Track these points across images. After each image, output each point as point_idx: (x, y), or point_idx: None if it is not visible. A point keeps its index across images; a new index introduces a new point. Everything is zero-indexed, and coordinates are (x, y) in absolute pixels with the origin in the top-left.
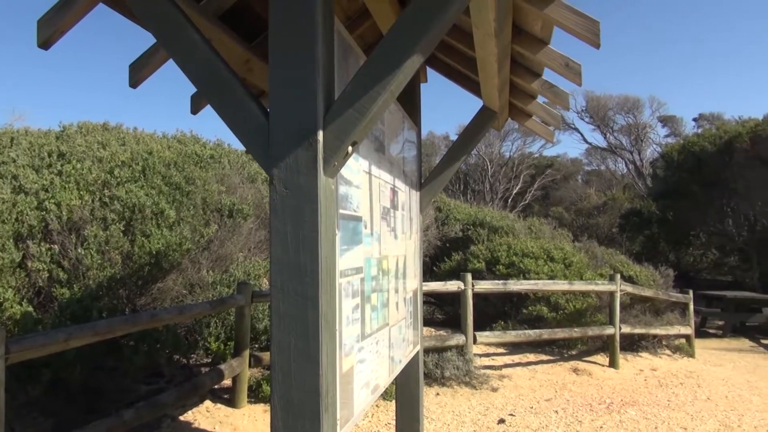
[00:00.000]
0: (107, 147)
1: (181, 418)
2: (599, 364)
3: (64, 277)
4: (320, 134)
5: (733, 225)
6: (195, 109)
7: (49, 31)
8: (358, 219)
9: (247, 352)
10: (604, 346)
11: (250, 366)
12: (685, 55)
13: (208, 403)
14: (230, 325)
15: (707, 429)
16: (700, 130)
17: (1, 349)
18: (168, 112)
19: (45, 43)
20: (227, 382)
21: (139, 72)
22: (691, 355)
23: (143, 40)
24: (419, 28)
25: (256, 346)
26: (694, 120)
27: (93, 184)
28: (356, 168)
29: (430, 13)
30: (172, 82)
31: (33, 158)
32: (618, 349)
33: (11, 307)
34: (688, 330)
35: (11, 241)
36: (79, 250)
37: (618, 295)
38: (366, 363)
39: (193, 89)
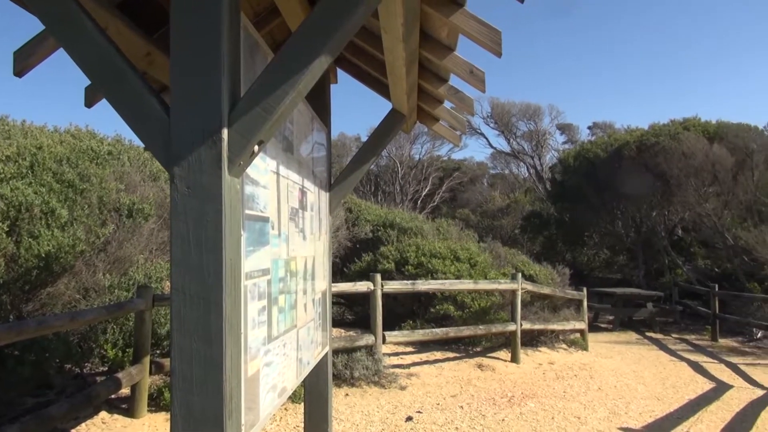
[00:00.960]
0: None
1: (73, 431)
2: (502, 359)
3: None
4: (225, 132)
5: (622, 226)
6: (89, 102)
7: None
8: (265, 220)
9: (147, 359)
10: (507, 342)
11: (151, 373)
12: (580, 68)
13: (104, 414)
14: (129, 331)
15: (598, 417)
16: (593, 138)
17: None
18: (63, 104)
19: None
20: (126, 390)
21: (25, 60)
22: (585, 348)
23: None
24: (328, 28)
25: (158, 352)
26: (589, 128)
27: None
28: (263, 168)
29: (338, 14)
30: (67, 72)
31: None
32: (519, 344)
33: None
34: (582, 325)
35: None
36: None
37: (519, 293)
38: (273, 366)
39: (87, 80)
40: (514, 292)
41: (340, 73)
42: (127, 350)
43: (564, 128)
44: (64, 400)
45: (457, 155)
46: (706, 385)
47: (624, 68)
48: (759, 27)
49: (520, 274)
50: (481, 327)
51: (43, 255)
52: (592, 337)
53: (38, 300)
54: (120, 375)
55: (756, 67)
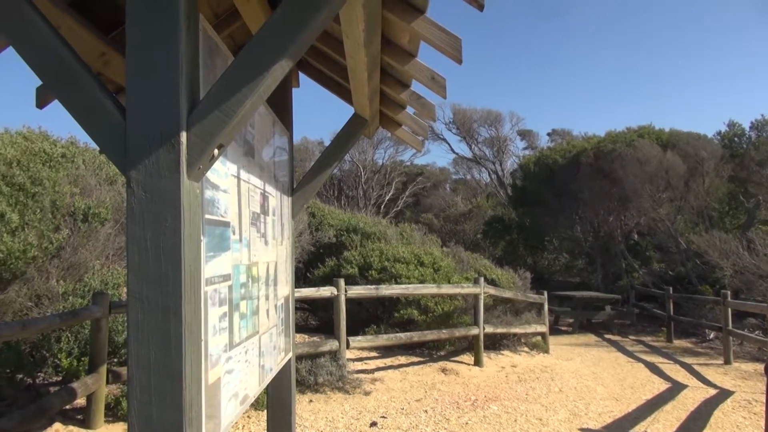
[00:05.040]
0: None
1: None
2: (466, 363)
3: None
4: (183, 135)
5: (580, 231)
6: (41, 102)
7: None
8: (226, 224)
9: (104, 368)
10: (470, 346)
11: (108, 382)
12: (540, 76)
13: (58, 425)
14: (85, 339)
15: (559, 418)
16: (552, 144)
17: None
18: (14, 105)
19: None
20: (81, 401)
21: None
22: (546, 351)
23: None
24: (289, 31)
25: (115, 360)
26: (548, 135)
27: None
28: (224, 172)
29: (299, 18)
30: (17, 71)
31: None
32: (482, 348)
33: None
34: (544, 328)
35: None
36: None
37: (482, 297)
38: (234, 373)
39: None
40: (476, 296)
41: (303, 78)
42: (83, 359)
43: (524, 134)
44: (15, 411)
45: (420, 160)
46: (662, 386)
47: (583, 75)
48: (709, 37)
49: (482, 279)
50: (444, 331)
51: None
52: (553, 340)
53: None
54: (75, 385)
55: (707, 78)
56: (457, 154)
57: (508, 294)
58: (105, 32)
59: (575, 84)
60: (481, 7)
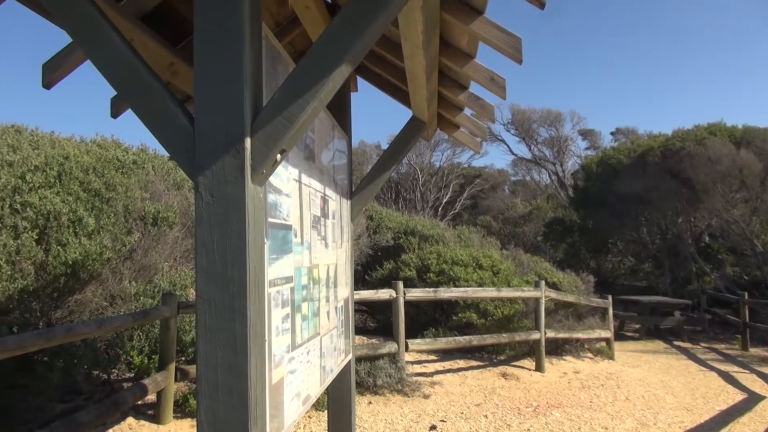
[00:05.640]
0: (18, 151)
1: None
2: (526, 368)
3: None
4: (248, 141)
5: (646, 233)
6: (115, 112)
7: None
8: (288, 228)
9: (172, 366)
10: (531, 350)
11: (176, 380)
12: (603, 75)
13: (131, 420)
14: (155, 337)
15: (626, 428)
16: (616, 144)
17: None
18: (88, 115)
19: None
20: (151, 397)
21: (53, 72)
22: (611, 357)
23: (60, 38)
24: (348, 37)
25: (183, 358)
26: (611, 134)
27: (2, 189)
28: (285, 176)
29: (359, 23)
30: (92, 84)
31: None
32: (544, 353)
33: None
34: (608, 333)
35: None
36: None
37: (543, 301)
38: (297, 373)
39: (113, 92)
40: (537, 299)
41: (360, 81)
42: (153, 357)
43: (586, 134)
44: (92, 406)
45: (477, 162)
46: (738, 396)
47: (648, 74)
48: None
49: (543, 282)
50: (504, 335)
51: (71, 263)
52: (618, 346)
53: (66, 307)
54: (146, 381)
55: None
56: (515, 155)
57: (570, 298)
58: (173, 44)
59: (641, 82)
60: (542, 6)
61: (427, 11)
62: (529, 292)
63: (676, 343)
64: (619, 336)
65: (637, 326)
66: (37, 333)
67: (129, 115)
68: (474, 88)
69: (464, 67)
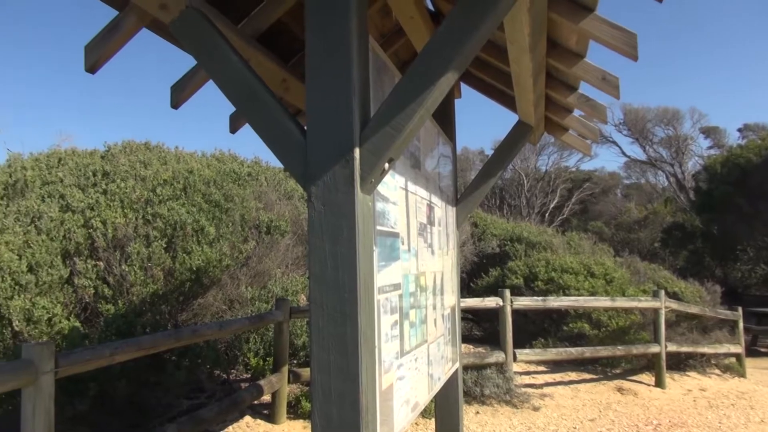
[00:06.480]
0: (149, 166)
1: None
2: (645, 383)
3: (109, 293)
4: (357, 151)
5: None
6: (233, 128)
7: (95, 56)
8: (396, 235)
9: (285, 368)
10: (650, 364)
11: (288, 382)
12: (725, 66)
13: (248, 418)
14: (269, 340)
15: None
16: (744, 141)
17: (51, 363)
18: (205, 131)
19: (92, 68)
20: (266, 397)
21: (180, 93)
22: (742, 374)
23: (183, 61)
24: (454, 45)
25: (295, 361)
26: (739, 131)
27: (136, 202)
28: (393, 184)
29: (465, 30)
30: (209, 104)
31: (79, 178)
32: (664, 367)
33: (59, 322)
34: (738, 348)
35: (59, 257)
36: (123, 267)
37: (663, 312)
38: (405, 380)
39: (231, 109)
40: (656, 310)
41: (463, 87)
42: (267, 359)
43: (709, 132)
44: (213, 403)
45: (586, 165)
46: None
47: None
48: None
49: (662, 292)
50: (620, 347)
51: (195, 269)
52: (750, 363)
53: (191, 310)
54: (262, 382)
55: None
56: (628, 157)
57: (693, 309)
58: (284, 61)
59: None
60: None
61: (533, 12)
62: (646, 302)
63: None
64: (751, 352)
65: None
66: (167, 333)
67: (242, 130)
68: (583, 88)
69: (573, 68)
